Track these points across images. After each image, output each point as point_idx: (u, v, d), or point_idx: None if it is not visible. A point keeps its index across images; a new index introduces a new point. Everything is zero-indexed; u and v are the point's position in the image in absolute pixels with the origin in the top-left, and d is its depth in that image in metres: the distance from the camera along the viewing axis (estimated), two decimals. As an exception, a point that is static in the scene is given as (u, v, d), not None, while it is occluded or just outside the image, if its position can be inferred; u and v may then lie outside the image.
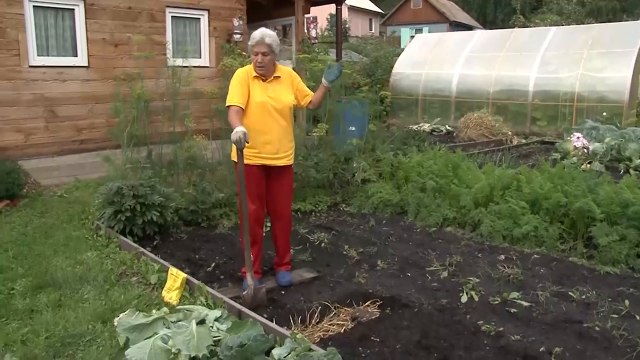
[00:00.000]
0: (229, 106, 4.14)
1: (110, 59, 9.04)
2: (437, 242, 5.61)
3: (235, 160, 4.36)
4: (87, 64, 8.85)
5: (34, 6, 8.28)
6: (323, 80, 4.34)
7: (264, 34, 4.13)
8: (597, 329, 3.70)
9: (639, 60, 12.95)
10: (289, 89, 4.32)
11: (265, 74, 4.21)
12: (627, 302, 4.07)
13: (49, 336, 3.56)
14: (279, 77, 4.28)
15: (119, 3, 9.06)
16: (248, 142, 3.90)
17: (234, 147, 4.35)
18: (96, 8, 8.83)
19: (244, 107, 4.14)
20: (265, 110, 4.18)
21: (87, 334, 3.59)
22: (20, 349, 3.39)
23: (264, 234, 4.59)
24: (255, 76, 4.21)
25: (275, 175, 4.36)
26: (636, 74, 13.03)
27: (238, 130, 3.85)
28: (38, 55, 8.37)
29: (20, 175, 6.91)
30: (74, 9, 8.68)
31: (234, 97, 4.14)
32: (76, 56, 8.78)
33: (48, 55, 8.51)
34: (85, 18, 8.75)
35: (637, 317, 3.88)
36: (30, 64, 8.25)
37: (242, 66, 4.78)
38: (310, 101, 4.42)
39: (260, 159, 4.21)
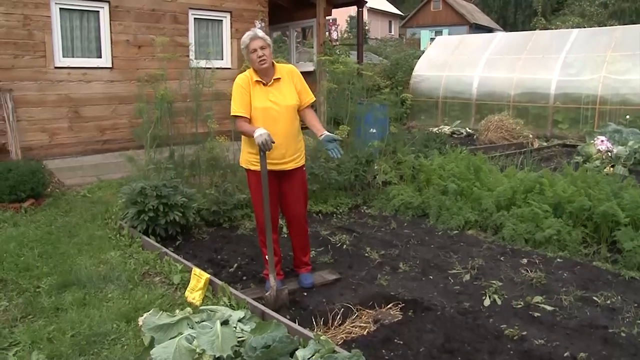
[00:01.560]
0: (235, 116, 4.15)
1: (134, 60, 9.15)
2: (458, 245, 5.58)
3: (245, 167, 4.35)
4: (111, 65, 8.96)
5: (60, 8, 8.42)
6: (321, 137, 4.14)
7: (255, 30, 4.15)
8: (623, 335, 3.65)
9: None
10: (291, 88, 4.23)
11: (269, 68, 4.14)
12: (653, 308, 4.03)
13: (75, 334, 3.60)
14: (279, 78, 4.20)
15: (142, 5, 9.17)
16: (274, 142, 3.91)
17: (243, 151, 4.35)
18: (120, 10, 8.94)
19: (249, 117, 4.13)
20: (269, 115, 4.11)
21: (111, 332, 3.62)
22: (47, 347, 3.44)
23: (279, 236, 4.61)
24: (257, 80, 4.15)
25: (286, 178, 4.32)
26: (661, 77, 12.85)
27: (262, 133, 3.85)
28: (63, 57, 8.51)
29: (44, 174, 7.01)
30: (98, 11, 8.81)
31: (238, 107, 4.13)
32: (100, 57, 8.91)
33: (73, 57, 8.65)
34: (110, 20, 8.87)
35: (664, 324, 3.83)
36: (56, 65, 8.39)
37: None
38: (304, 111, 4.31)
39: (269, 165, 4.10)
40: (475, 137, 13.35)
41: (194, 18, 9.89)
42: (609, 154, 9.15)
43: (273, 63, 4.23)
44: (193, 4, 9.78)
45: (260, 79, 4.16)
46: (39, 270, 4.72)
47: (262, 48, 4.07)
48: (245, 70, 4.36)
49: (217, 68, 8.56)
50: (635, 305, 4.11)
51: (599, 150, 9.18)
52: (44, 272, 4.66)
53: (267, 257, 4.21)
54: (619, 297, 4.24)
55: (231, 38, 10.27)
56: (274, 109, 4.13)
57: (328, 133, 4.12)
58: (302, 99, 4.27)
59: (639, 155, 9.26)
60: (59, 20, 8.43)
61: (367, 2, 13.22)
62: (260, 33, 4.13)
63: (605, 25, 24.09)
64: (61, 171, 7.96)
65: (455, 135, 13.87)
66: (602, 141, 9.30)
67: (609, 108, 12.76)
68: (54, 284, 4.42)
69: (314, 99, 4.39)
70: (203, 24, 10.10)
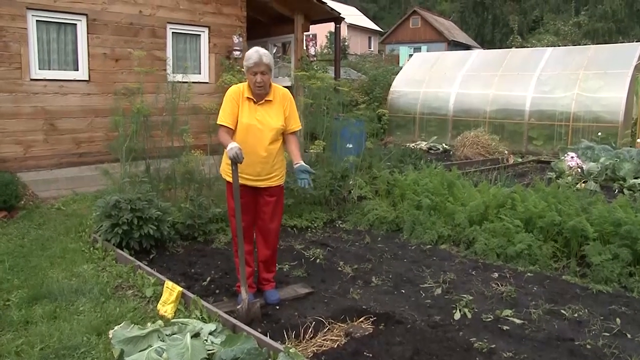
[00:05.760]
0: (219, 125, 4.19)
1: (111, 74, 9.13)
2: (431, 259, 5.64)
3: (223, 177, 4.40)
4: (87, 78, 8.94)
5: (37, 20, 8.39)
6: (296, 165, 4.18)
7: (261, 53, 4.10)
8: (588, 347, 3.73)
9: (633, 81, 13.11)
10: (279, 112, 4.26)
11: (264, 93, 4.19)
12: (618, 320, 4.12)
13: (44, 347, 3.57)
14: (271, 100, 4.24)
15: (120, 19, 9.17)
16: (249, 158, 3.96)
17: (223, 162, 4.40)
18: (98, 23, 8.94)
19: (233, 128, 4.17)
20: (251, 132, 4.16)
21: (81, 345, 3.60)
22: (15, 360, 3.41)
23: (254, 249, 4.63)
24: (248, 97, 4.20)
25: (261, 194, 4.37)
26: (631, 95, 13.18)
27: (233, 147, 3.91)
28: (40, 69, 8.47)
29: (18, 187, 6.95)
30: (76, 24, 8.80)
31: (225, 117, 4.17)
32: (77, 70, 8.88)
33: (49, 69, 8.61)
34: (87, 33, 8.86)
35: (629, 336, 3.91)
36: (32, 77, 8.35)
37: (241, 82, 4.73)
38: (288, 136, 4.34)
39: (243, 179, 4.17)
40: (451, 152, 13.50)
41: (172, 32, 9.92)
42: (579, 170, 9.34)
43: (270, 84, 4.26)
44: (171, 18, 9.81)
45: (251, 97, 4.20)
46: (9, 283, 4.67)
47: (262, 74, 4.08)
48: (222, 84, 4.39)
49: (194, 82, 8.58)
50: (602, 318, 4.19)
51: (569, 167, 9.36)
52: (14, 285, 4.62)
53: (238, 268, 4.22)
54: (586, 310, 4.33)
55: (209, 53, 10.29)
56: (257, 127, 4.17)
57: (303, 163, 4.18)
58: (287, 124, 4.31)
59: (610, 171, 9.46)
60: (36, 33, 8.40)
61: (344, 18, 13.36)
62: (265, 58, 4.09)
63: (579, 45, 24.60)
64: (36, 184, 7.90)
65: (432, 151, 14.01)
66: (572, 157, 9.50)
67: (582, 125, 13.02)
68: (24, 297, 4.38)
69: (300, 126, 4.46)
70: (181, 38, 10.13)
